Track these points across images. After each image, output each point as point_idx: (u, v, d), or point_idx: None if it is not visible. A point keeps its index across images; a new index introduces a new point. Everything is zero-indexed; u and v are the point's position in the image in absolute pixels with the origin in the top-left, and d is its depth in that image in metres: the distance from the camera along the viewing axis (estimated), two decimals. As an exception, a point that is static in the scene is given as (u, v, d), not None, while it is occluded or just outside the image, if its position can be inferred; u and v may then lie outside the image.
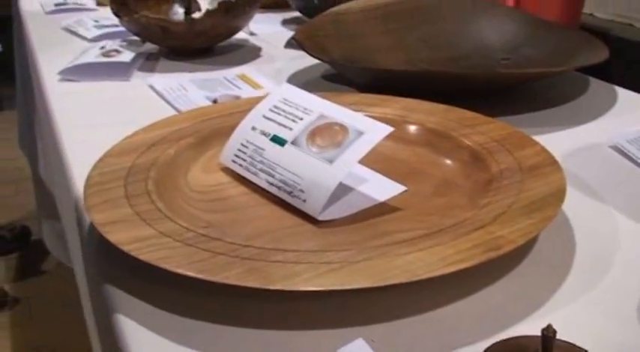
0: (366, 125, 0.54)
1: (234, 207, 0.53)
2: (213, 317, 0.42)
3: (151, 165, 0.56)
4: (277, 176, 0.54)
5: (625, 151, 0.64)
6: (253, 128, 0.58)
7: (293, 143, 0.55)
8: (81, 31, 1.12)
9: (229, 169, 0.58)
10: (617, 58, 1.50)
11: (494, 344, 0.36)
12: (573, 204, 0.55)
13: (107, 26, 1.12)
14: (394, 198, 0.55)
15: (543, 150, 0.57)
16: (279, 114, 0.58)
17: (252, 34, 1.12)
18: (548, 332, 0.32)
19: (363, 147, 0.53)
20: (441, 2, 1.00)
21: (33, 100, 1.50)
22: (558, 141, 0.67)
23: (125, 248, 0.44)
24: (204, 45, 0.99)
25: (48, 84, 0.87)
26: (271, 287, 0.39)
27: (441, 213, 0.52)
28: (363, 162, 0.55)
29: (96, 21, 1.16)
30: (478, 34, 0.96)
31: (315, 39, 0.89)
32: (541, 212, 0.47)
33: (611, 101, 0.79)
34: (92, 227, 0.52)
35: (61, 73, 0.89)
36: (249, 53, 1.02)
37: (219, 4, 0.94)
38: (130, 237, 0.45)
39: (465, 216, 0.48)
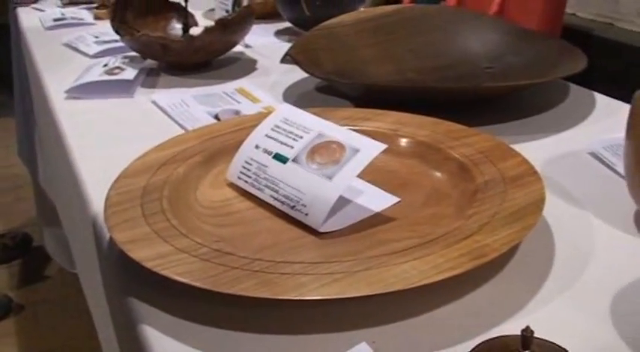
0: (362, 143, 0.59)
1: (242, 221, 0.58)
2: (230, 325, 0.47)
3: (163, 184, 0.60)
4: (281, 191, 0.59)
5: (601, 158, 0.69)
6: (257, 146, 0.63)
7: (294, 160, 0.60)
8: (82, 47, 1.16)
9: (235, 185, 0.63)
10: (598, 57, 1.56)
11: (480, 344, 0.41)
12: (553, 210, 0.60)
13: (107, 42, 1.17)
14: (389, 208, 0.59)
15: (524, 161, 0.61)
16: (280, 133, 0.62)
17: (247, 46, 1.16)
18: (527, 333, 0.37)
19: (359, 164, 0.57)
20: (428, 14, 1.05)
21: (32, 110, 1.55)
22: (539, 149, 0.72)
23: (147, 264, 0.48)
24: (202, 59, 1.04)
25: (55, 102, 0.92)
26: (283, 298, 0.44)
27: (432, 222, 0.56)
28: (359, 174, 0.59)
29: (96, 37, 1.21)
30: (463, 43, 1.00)
31: (309, 53, 0.94)
32: (522, 221, 0.52)
33: (590, 107, 0.84)
34: (111, 244, 0.57)
35: (68, 91, 0.94)
36: (246, 66, 1.07)
37: (217, 21, 0.99)
38: (151, 254, 0.49)
39: (453, 225, 0.53)
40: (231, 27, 1.00)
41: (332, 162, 0.58)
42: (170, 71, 1.03)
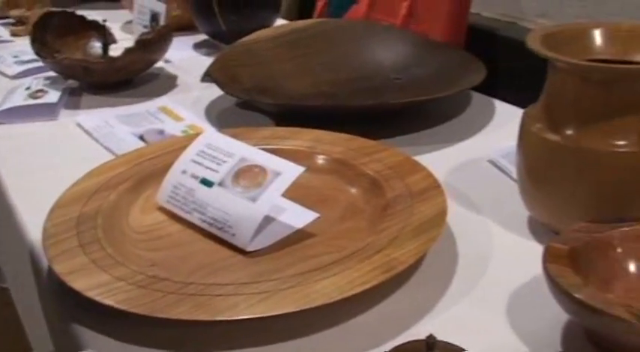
0: (282, 166, 0.64)
1: (174, 243, 0.63)
2: (170, 345, 0.52)
3: (96, 213, 0.64)
4: (208, 214, 0.63)
5: (499, 166, 0.76)
6: (184, 171, 0.67)
7: (220, 184, 0.64)
8: (2, 68, 1.17)
9: (165, 208, 0.67)
10: (503, 55, 1.65)
11: (391, 350, 0.46)
12: (456, 218, 0.67)
13: (28, 62, 1.18)
14: (309, 224, 0.65)
15: (429, 175, 0.68)
16: (205, 158, 0.67)
17: (167, 61, 1.20)
18: (430, 339, 0.43)
19: (281, 186, 0.63)
20: (341, 27, 1.11)
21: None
22: (443, 158, 0.79)
23: (89, 294, 0.52)
24: (123, 78, 1.07)
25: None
26: (217, 319, 0.49)
27: (348, 236, 0.62)
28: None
29: (15, 56, 1.22)
30: (373, 55, 1.06)
31: (228, 70, 0.98)
32: (427, 233, 0.58)
33: (490, 115, 0.91)
34: (50, 273, 0.60)
35: (-8, 116, 0.95)
36: (167, 83, 1.10)
37: (137, 41, 1.02)
38: (91, 284, 0.53)
39: (366, 240, 0.59)
40: (150, 46, 1.03)
41: (255, 185, 0.63)
42: (92, 90, 1.06)
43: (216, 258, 0.60)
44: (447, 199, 0.63)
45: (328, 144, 0.76)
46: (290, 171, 0.64)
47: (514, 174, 0.73)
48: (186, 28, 1.37)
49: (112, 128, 0.91)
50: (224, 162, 0.66)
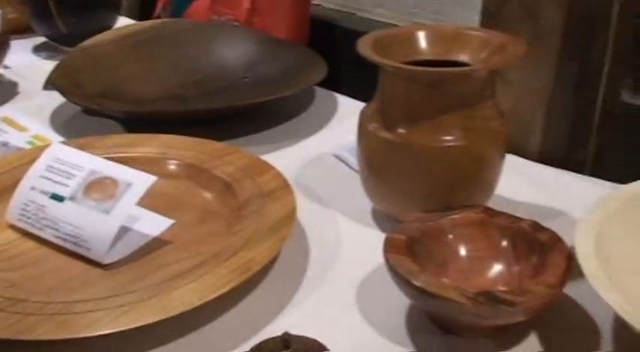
0: (133, 176, 0.65)
1: (29, 262, 0.62)
2: (32, 365, 0.52)
3: (-56, 236, 0.63)
4: (62, 230, 0.64)
5: (344, 160, 0.81)
6: (32, 188, 0.67)
7: (71, 199, 0.65)
8: None
9: (17, 226, 0.67)
10: (344, 45, 1.71)
11: (252, 348, 0.49)
12: (306, 213, 0.70)
13: None
14: (166, 231, 0.67)
15: (278, 174, 0.71)
16: (54, 173, 0.67)
17: (6, 67, 1.16)
18: (285, 336, 0.47)
19: (133, 197, 0.64)
20: (184, 27, 1.12)
21: None
22: (291, 155, 0.82)
23: (-56, 322, 0.52)
24: (-41, 88, 1.03)
25: None
26: (79, 336, 0.50)
27: (205, 240, 0.64)
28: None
29: None
30: (220, 55, 1.08)
31: (71, 76, 0.97)
32: (279, 233, 0.61)
33: (334, 110, 0.96)
34: None
35: None
36: (7, 91, 1.07)
37: (-29, 51, 0.99)
38: (-54, 312, 0.53)
39: (223, 243, 0.61)
40: (-13, 55, 1.00)
41: (108, 198, 0.64)
42: None
43: (73, 274, 0.60)
44: (296, 197, 0.67)
45: (179, 149, 0.77)
46: (141, 182, 0.65)
47: (358, 168, 0.78)
48: (24, 31, 1.32)
49: (-48, 143, 0.88)
50: (74, 175, 0.66)
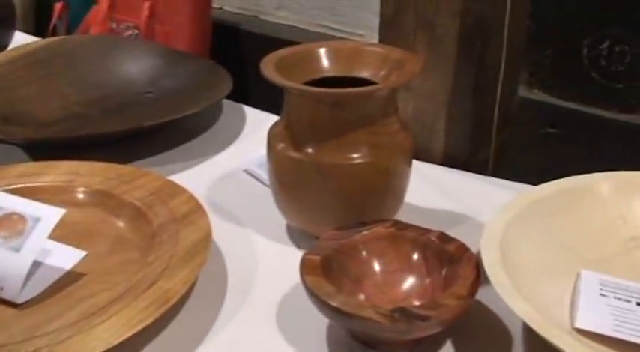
0: (41, 211, 0.64)
1: (-64, 308, 0.60)
2: None
3: None
4: (-30, 270, 0.62)
5: (255, 175, 0.81)
6: None
7: (-22, 238, 0.63)
8: None
9: None
10: (248, 49, 1.71)
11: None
12: (222, 234, 0.70)
13: None
14: (79, 263, 0.66)
15: (191, 197, 0.71)
16: (-43, 211, 0.65)
17: None
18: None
19: (43, 232, 0.62)
20: (83, 44, 1.09)
21: None
22: (200, 174, 0.82)
23: None
24: None
25: None
26: (-4, 387, 0.49)
27: (119, 271, 0.64)
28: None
29: None
30: (121, 70, 1.06)
31: (-33, 102, 0.94)
32: (195, 259, 0.61)
33: (242, 123, 0.96)
34: None
35: None
36: None
37: None
38: None
39: (139, 274, 0.61)
40: None
41: (16, 234, 0.62)
42: None
43: (-15, 316, 0.59)
44: (209, 220, 0.67)
45: (86, 176, 0.76)
46: (50, 216, 0.63)
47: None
48: None
49: None
50: (-21, 213, 0.64)
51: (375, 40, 1.00)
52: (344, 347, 0.56)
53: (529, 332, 0.56)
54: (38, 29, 1.94)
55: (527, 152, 1.12)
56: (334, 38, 1.59)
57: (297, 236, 0.70)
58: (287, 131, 0.65)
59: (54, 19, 1.83)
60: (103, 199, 0.73)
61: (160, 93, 1.01)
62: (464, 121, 0.85)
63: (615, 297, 0.54)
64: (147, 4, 1.65)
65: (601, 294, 0.54)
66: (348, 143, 0.62)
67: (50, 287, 0.63)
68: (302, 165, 0.63)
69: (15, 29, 1.25)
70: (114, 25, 1.71)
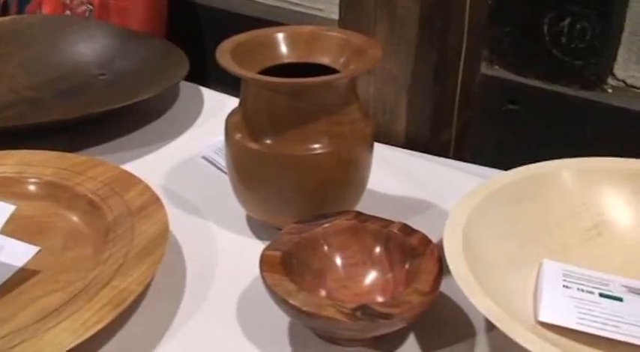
0: (-11, 207, 0.62)
1: None
2: None
3: None
4: None
5: (214, 162, 0.79)
6: None
7: None
8: None
9: None
10: (208, 26, 1.67)
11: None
12: (180, 225, 0.68)
13: None
14: (31, 260, 0.63)
15: (146, 188, 0.69)
16: None
17: None
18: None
19: (-9, 230, 0.60)
20: (32, 24, 1.05)
21: None
22: (156, 161, 0.79)
23: None
24: None
25: None
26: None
27: (73, 268, 0.62)
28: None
29: None
30: (73, 51, 1.03)
31: None
32: (152, 255, 0.60)
33: (200, 106, 0.93)
34: None
35: None
36: None
37: None
38: None
39: (93, 272, 0.59)
40: None
41: (-36, 233, 0.60)
42: None
43: None
44: (167, 212, 0.65)
45: (37, 166, 0.73)
46: (0, 211, 0.61)
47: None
48: None
49: None
50: None
51: (335, 15, 0.98)
52: (306, 342, 0.55)
53: (492, 324, 0.56)
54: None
55: (488, 129, 1.12)
56: (293, 13, 1.56)
57: (257, 226, 0.69)
58: (245, 121, 0.63)
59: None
60: (55, 191, 0.71)
61: (113, 75, 0.99)
62: (426, 103, 0.84)
63: (578, 288, 0.54)
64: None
65: (564, 286, 0.54)
66: (308, 133, 0.60)
67: (3, 286, 0.60)
68: (261, 157, 0.61)
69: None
70: (67, 0, 1.66)
